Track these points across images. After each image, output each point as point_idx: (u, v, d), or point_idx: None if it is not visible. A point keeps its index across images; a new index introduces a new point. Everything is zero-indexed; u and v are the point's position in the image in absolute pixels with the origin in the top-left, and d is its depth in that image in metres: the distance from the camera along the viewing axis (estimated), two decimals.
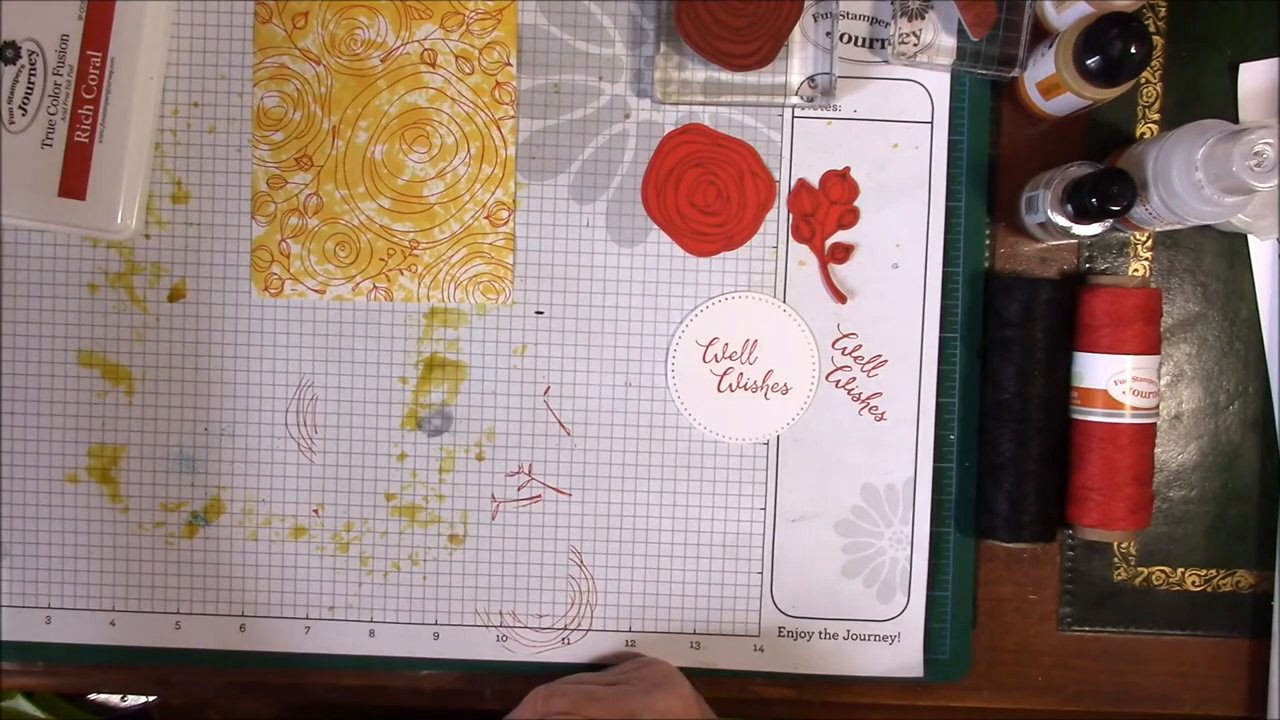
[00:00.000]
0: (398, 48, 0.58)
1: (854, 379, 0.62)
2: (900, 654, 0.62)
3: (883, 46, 0.61)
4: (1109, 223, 0.57)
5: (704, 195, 0.61)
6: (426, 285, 0.59)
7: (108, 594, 0.62)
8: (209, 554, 0.62)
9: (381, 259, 0.59)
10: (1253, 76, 0.62)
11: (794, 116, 0.61)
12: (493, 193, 0.58)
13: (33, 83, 0.57)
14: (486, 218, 0.59)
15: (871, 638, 0.62)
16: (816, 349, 0.62)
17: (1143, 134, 0.63)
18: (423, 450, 0.62)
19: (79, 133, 0.57)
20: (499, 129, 0.58)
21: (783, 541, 0.62)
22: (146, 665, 0.62)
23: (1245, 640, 0.64)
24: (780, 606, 0.62)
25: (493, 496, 0.62)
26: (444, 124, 0.58)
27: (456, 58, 0.58)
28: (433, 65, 0.58)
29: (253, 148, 0.59)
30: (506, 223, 0.59)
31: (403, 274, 0.59)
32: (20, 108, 0.57)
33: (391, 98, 0.58)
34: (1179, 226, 0.58)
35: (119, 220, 0.58)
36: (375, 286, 0.59)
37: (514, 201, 0.59)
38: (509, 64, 0.58)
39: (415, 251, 0.59)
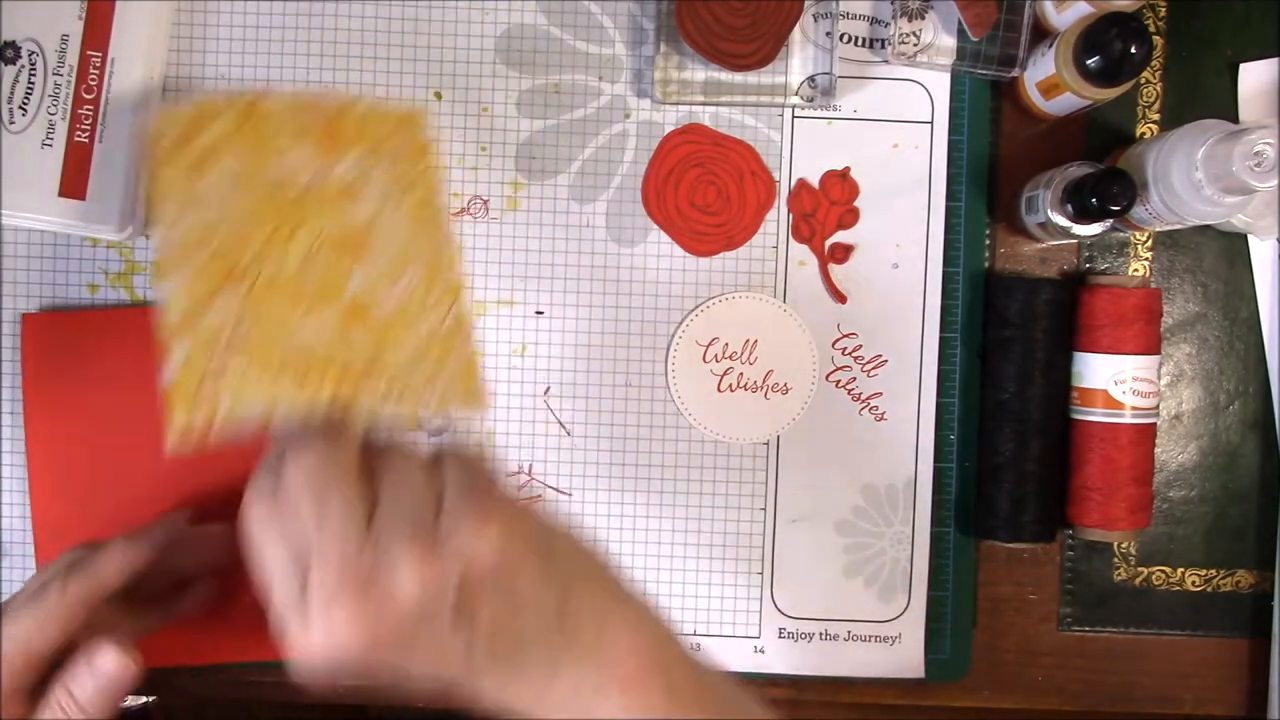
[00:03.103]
0: (322, 177, 0.50)
1: (854, 379, 0.62)
2: (901, 654, 0.62)
3: (883, 46, 0.61)
4: (1109, 223, 0.57)
5: (704, 195, 0.61)
6: (390, 408, 0.48)
7: None
8: None
9: (333, 388, 0.48)
10: (1253, 76, 0.62)
11: (794, 116, 0.61)
12: (449, 309, 0.50)
13: (33, 83, 0.57)
14: (446, 333, 0.50)
15: (872, 638, 0.62)
16: (816, 349, 0.62)
17: (1143, 134, 0.63)
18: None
19: (79, 133, 0.57)
20: (446, 246, 0.51)
21: (783, 541, 0.62)
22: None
23: (1245, 640, 0.64)
24: (780, 607, 0.62)
25: None
26: (386, 244, 0.50)
27: (388, 184, 0.51)
28: (362, 193, 0.50)
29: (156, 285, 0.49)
30: (468, 336, 0.50)
31: (360, 400, 0.48)
32: (20, 108, 0.57)
33: (321, 222, 0.49)
34: (1179, 226, 0.58)
35: (119, 220, 0.58)
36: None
37: (468, 316, 0.50)
38: (441, 185, 0.52)
39: (370, 375, 0.49)
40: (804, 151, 0.62)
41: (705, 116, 0.61)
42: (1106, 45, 0.53)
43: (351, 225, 0.50)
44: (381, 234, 0.50)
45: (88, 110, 0.57)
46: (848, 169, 0.62)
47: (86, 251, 0.61)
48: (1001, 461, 0.61)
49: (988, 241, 0.63)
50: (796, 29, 0.60)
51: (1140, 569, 0.63)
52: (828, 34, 0.60)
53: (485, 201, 0.61)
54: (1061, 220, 0.57)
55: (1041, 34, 0.59)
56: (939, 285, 0.62)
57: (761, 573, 0.62)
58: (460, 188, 0.61)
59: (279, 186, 0.49)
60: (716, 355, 0.62)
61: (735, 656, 0.62)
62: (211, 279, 0.48)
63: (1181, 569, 0.63)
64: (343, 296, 0.49)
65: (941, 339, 0.62)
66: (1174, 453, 0.63)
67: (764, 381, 0.62)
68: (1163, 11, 0.62)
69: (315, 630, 0.38)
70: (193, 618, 0.57)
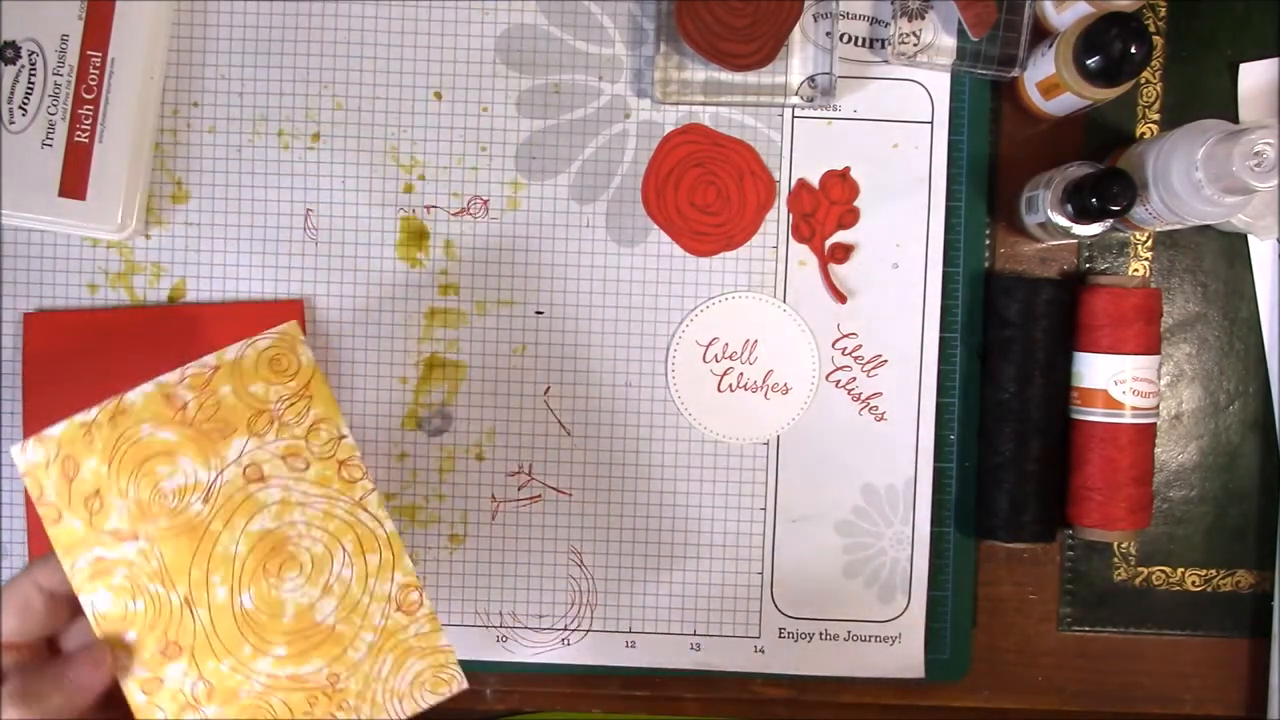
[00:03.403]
0: (216, 480, 0.49)
1: (854, 379, 0.62)
2: (901, 654, 0.62)
3: (883, 46, 0.61)
4: (1109, 223, 0.57)
5: (704, 195, 0.62)
6: (366, 715, 0.50)
7: None
8: None
9: (305, 712, 0.49)
10: (1253, 76, 0.62)
11: (794, 116, 0.61)
12: (391, 579, 0.50)
13: (33, 83, 0.57)
14: (399, 609, 0.50)
15: (872, 638, 0.62)
16: (816, 349, 0.62)
17: (1143, 134, 0.63)
18: (423, 450, 0.62)
19: (79, 133, 0.57)
20: (365, 509, 0.50)
21: (783, 541, 0.62)
22: None
23: (1245, 640, 0.64)
24: (780, 607, 0.62)
25: (493, 496, 0.62)
26: (304, 534, 0.49)
27: (285, 459, 0.49)
28: (262, 479, 0.49)
29: (108, 661, 0.47)
30: (421, 604, 0.50)
31: (335, 718, 0.50)
32: (20, 108, 0.57)
33: (234, 536, 0.49)
34: (1179, 226, 0.58)
35: (119, 220, 0.58)
36: None
37: (419, 582, 0.50)
38: (343, 437, 0.50)
39: (339, 686, 0.49)
40: (804, 151, 0.62)
41: (705, 116, 0.61)
42: (1106, 45, 0.53)
43: (264, 524, 0.48)
44: (298, 513, 0.49)
45: (88, 110, 0.57)
46: (848, 169, 0.62)
47: (86, 251, 0.61)
48: (1001, 461, 0.61)
49: (988, 241, 0.63)
50: (796, 29, 0.60)
51: (1140, 569, 0.63)
52: (828, 34, 0.60)
53: (485, 201, 0.62)
54: (1061, 220, 0.57)
55: (1041, 34, 0.59)
56: (939, 285, 0.62)
57: (761, 573, 0.62)
58: (460, 188, 0.62)
59: (179, 512, 0.48)
60: (716, 355, 0.62)
61: (735, 656, 0.62)
62: (152, 652, 0.47)
63: (1181, 569, 0.63)
64: (283, 618, 0.49)
65: (941, 339, 0.62)
66: (1174, 453, 0.63)
67: (764, 381, 0.62)
68: (1163, 11, 0.62)
69: None
70: None
